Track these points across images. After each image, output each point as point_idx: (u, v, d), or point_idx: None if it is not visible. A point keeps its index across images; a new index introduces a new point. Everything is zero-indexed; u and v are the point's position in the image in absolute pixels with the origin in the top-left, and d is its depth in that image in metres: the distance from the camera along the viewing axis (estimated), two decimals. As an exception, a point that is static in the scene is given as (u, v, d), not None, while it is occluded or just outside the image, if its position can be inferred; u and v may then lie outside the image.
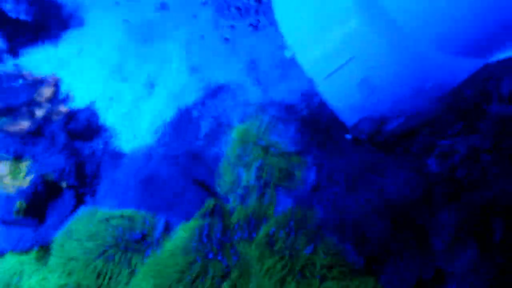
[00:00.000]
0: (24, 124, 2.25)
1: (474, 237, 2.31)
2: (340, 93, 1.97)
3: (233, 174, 2.46)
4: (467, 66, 1.92)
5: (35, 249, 2.13)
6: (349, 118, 2.14)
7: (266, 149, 2.48)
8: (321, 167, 2.48)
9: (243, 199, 2.40)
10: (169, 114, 2.65)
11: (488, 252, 2.29)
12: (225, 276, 1.99)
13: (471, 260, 2.29)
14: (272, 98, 2.71)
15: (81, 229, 2.14)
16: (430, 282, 2.29)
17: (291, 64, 2.61)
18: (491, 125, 2.37)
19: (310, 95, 2.68)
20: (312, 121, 2.62)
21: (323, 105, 2.50)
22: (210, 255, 2.04)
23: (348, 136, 2.27)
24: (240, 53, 2.79)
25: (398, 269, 2.24)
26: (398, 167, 2.40)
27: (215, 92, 2.74)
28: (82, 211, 2.23)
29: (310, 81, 2.03)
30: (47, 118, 2.36)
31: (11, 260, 2.11)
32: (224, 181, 2.44)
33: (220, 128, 2.67)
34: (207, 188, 2.51)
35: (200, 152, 2.61)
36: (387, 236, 2.27)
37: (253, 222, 2.21)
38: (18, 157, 2.15)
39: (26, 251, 2.14)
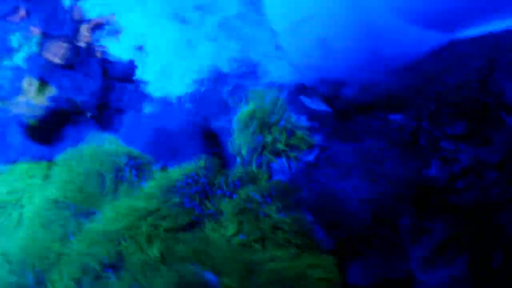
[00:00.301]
0: (61, 53, 2.54)
1: (465, 257, 2.22)
2: (299, 49, 1.97)
3: (241, 140, 2.58)
4: (429, 39, 1.83)
5: (43, 164, 2.40)
6: (307, 76, 2.13)
7: (274, 123, 2.56)
8: (325, 150, 2.51)
9: (243, 163, 2.52)
10: (201, 75, 2.84)
11: (479, 279, 2.19)
12: (194, 224, 2.10)
13: (452, 278, 2.21)
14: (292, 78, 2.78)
15: (86, 153, 2.37)
16: (399, 283, 2.24)
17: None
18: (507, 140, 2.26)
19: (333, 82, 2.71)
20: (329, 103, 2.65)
21: (343, 89, 2.52)
22: (187, 202, 2.16)
23: (306, 100, 2.26)
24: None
25: (367, 264, 2.22)
26: (400, 162, 2.36)
27: (243, 64, 2.87)
28: (92, 137, 2.45)
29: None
30: (84, 53, 2.63)
31: (20, 172, 2.37)
32: (234, 143, 2.57)
33: (241, 95, 2.80)
34: (217, 145, 2.66)
35: (219, 113, 2.77)
36: (365, 230, 2.25)
37: (239, 184, 2.30)
38: (45, 79, 2.45)
39: (35, 164, 2.41)
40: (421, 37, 1.84)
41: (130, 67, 2.82)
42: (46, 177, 2.32)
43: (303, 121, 2.65)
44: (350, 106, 2.24)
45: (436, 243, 2.21)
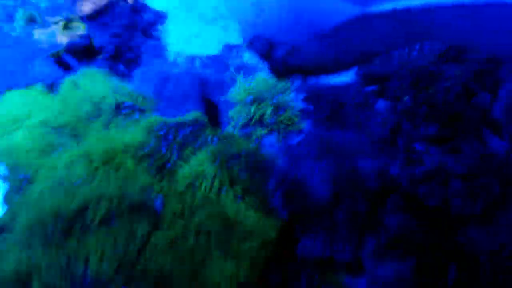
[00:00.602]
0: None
1: (414, 259, 2.26)
2: (240, 7, 2.19)
3: (236, 110, 2.77)
4: (346, 10, 1.98)
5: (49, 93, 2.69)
6: (245, 31, 2.32)
7: (268, 99, 2.72)
8: (310, 135, 2.65)
9: (232, 129, 2.72)
10: (216, 46, 3.07)
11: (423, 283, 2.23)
12: (165, 164, 2.28)
13: (398, 275, 2.26)
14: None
15: (87, 83, 2.62)
16: (342, 265, 2.32)
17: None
18: (480, 156, 2.28)
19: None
20: (327, 94, 2.80)
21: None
22: (165, 146, 2.36)
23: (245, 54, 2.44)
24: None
25: (316, 240, 2.31)
26: (373, 156, 2.45)
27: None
28: (97, 70, 2.72)
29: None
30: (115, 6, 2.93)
31: (29, 95, 2.67)
32: (232, 111, 2.78)
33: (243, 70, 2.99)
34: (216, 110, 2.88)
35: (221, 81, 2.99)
36: (322, 209, 2.34)
37: (216, 141, 2.48)
38: (72, 20, 2.75)
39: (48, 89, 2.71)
40: (339, 8, 2.01)
41: (154, 24, 3.08)
42: (50, 100, 2.59)
43: (299, 103, 2.79)
44: (281, 65, 2.43)
45: (389, 237, 2.27)
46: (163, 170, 2.18)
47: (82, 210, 1.71)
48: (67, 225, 1.65)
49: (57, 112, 2.47)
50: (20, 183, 2.13)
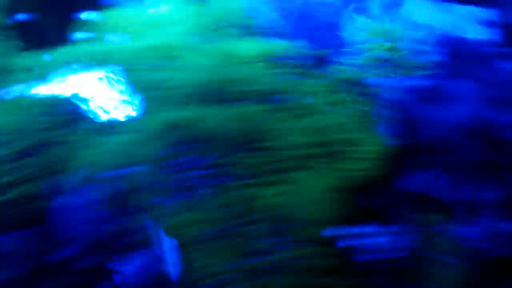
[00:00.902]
0: None
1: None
2: None
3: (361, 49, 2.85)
4: None
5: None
6: None
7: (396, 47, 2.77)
8: (431, 82, 2.64)
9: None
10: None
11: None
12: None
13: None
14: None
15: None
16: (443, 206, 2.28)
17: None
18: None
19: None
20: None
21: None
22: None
23: None
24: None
25: (424, 176, 2.30)
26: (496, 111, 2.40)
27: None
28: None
29: None
30: None
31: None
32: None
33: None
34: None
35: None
36: (434, 146, 2.32)
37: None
38: None
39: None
40: None
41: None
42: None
43: (425, 51, 2.79)
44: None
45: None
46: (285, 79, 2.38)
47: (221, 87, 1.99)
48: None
49: (202, 22, 2.78)
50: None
